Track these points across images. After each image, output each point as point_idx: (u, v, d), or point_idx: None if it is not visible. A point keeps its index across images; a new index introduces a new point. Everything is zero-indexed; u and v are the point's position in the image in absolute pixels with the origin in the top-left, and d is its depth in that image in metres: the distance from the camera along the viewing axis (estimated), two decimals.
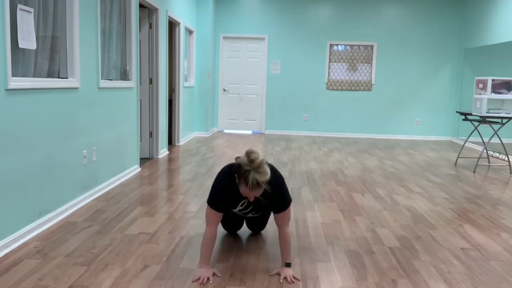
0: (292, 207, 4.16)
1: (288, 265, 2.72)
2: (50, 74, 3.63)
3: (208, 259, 2.69)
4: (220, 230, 3.43)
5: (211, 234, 2.69)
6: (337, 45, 9.82)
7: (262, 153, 7.09)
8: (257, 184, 2.45)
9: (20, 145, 3.09)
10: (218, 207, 2.72)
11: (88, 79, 4.13)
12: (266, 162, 2.51)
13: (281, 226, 2.76)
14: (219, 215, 2.73)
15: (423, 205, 4.42)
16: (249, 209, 2.90)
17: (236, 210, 2.89)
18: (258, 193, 2.53)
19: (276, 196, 2.70)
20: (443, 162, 6.94)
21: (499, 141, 6.35)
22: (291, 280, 2.63)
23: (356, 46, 9.79)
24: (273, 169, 2.66)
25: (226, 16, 9.79)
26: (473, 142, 8.41)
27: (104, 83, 4.50)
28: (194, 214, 3.89)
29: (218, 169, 5.81)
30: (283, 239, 2.75)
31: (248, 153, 2.47)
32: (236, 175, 2.55)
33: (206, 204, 2.79)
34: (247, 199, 2.70)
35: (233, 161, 2.70)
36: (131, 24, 5.29)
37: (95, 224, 3.55)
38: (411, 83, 9.83)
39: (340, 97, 9.94)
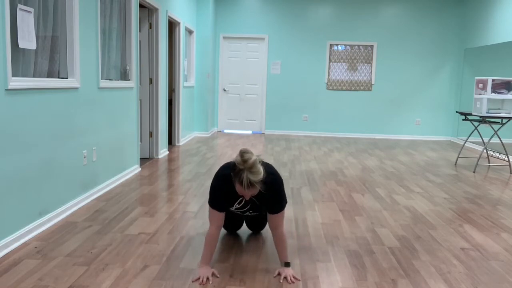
0: (292, 207, 4.17)
1: (287, 264, 2.72)
2: (50, 74, 3.63)
3: (208, 259, 2.70)
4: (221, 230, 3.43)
5: (213, 233, 2.72)
6: (337, 45, 9.82)
7: (260, 153, 7.09)
8: (251, 183, 2.46)
9: (20, 145, 3.09)
10: (219, 207, 2.74)
11: (88, 79, 4.13)
12: (261, 162, 2.51)
13: (277, 227, 2.75)
14: (221, 215, 2.75)
15: (423, 205, 4.42)
16: (246, 208, 2.90)
17: (233, 209, 2.90)
18: (253, 192, 2.54)
19: (272, 196, 2.71)
20: (443, 162, 6.94)
21: (499, 141, 6.35)
22: (291, 280, 2.63)
23: (356, 46, 9.79)
24: (270, 170, 2.68)
25: (226, 16, 9.79)
26: (473, 142, 8.41)
27: (104, 83, 4.50)
28: (194, 214, 3.89)
29: (218, 169, 5.81)
30: (280, 240, 2.76)
31: (242, 153, 2.50)
32: (231, 173, 2.57)
33: (207, 204, 2.80)
34: (244, 198, 2.70)
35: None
36: (131, 24, 5.29)
37: (95, 224, 3.55)
38: (411, 83, 9.84)
39: (340, 97, 9.94)
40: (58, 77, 3.75)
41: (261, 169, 2.48)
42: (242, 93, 10.07)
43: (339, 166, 6.37)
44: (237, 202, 2.83)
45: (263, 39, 9.85)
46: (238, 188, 2.55)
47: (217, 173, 2.83)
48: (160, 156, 6.52)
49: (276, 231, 2.76)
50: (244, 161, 2.46)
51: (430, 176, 5.81)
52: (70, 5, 3.78)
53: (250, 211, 2.95)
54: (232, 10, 9.77)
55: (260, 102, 10.06)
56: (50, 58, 3.63)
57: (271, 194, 2.69)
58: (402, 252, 3.16)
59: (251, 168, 2.45)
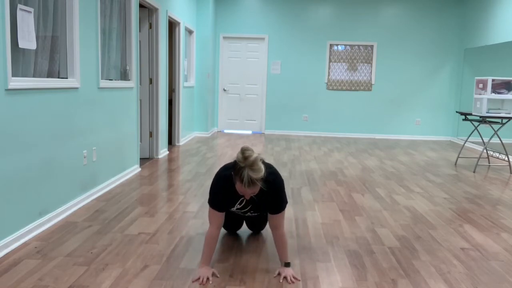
0: (292, 207, 4.17)
1: (287, 264, 2.73)
2: (50, 74, 3.63)
3: (208, 259, 2.70)
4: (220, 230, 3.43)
5: (212, 234, 2.72)
6: (337, 45, 9.82)
7: (260, 153, 7.09)
8: (251, 181, 2.46)
9: (20, 145, 3.09)
10: (218, 207, 2.74)
11: (88, 79, 4.13)
12: (262, 160, 2.53)
13: (277, 227, 2.76)
14: (221, 215, 2.76)
15: (423, 205, 4.42)
16: (247, 208, 2.90)
17: (234, 209, 2.90)
18: (253, 190, 2.54)
19: (272, 196, 2.71)
20: (443, 162, 6.94)
21: (499, 141, 6.35)
22: (291, 280, 2.63)
23: (356, 46, 9.79)
24: (271, 169, 2.72)
25: (226, 16, 9.79)
26: (473, 142, 8.41)
27: (104, 83, 4.50)
28: (194, 214, 3.89)
29: (218, 169, 5.81)
30: (280, 240, 2.76)
31: (243, 150, 2.51)
32: (232, 173, 2.57)
33: (207, 204, 2.80)
34: (245, 197, 2.70)
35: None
36: (131, 24, 5.29)
37: (95, 224, 3.55)
38: (411, 83, 9.83)
39: (340, 97, 9.94)
40: (58, 77, 3.75)
41: (262, 166, 2.49)
42: (242, 93, 10.07)
43: (339, 166, 6.37)
44: (238, 203, 2.83)
45: (263, 39, 9.84)
46: (238, 186, 2.55)
47: (218, 173, 2.83)
48: (160, 156, 6.52)
49: (276, 231, 2.77)
50: (245, 158, 2.46)
51: (430, 176, 5.81)
52: (70, 5, 3.78)
53: (251, 212, 2.96)
54: (232, 10, 9.77)
55: (260, 102, 10.06)
56: (50, 58, 3.63)
57: (272, 194, 2.69)
58: (402, 252, 3.16)
59: (252, 165, 2.45)
